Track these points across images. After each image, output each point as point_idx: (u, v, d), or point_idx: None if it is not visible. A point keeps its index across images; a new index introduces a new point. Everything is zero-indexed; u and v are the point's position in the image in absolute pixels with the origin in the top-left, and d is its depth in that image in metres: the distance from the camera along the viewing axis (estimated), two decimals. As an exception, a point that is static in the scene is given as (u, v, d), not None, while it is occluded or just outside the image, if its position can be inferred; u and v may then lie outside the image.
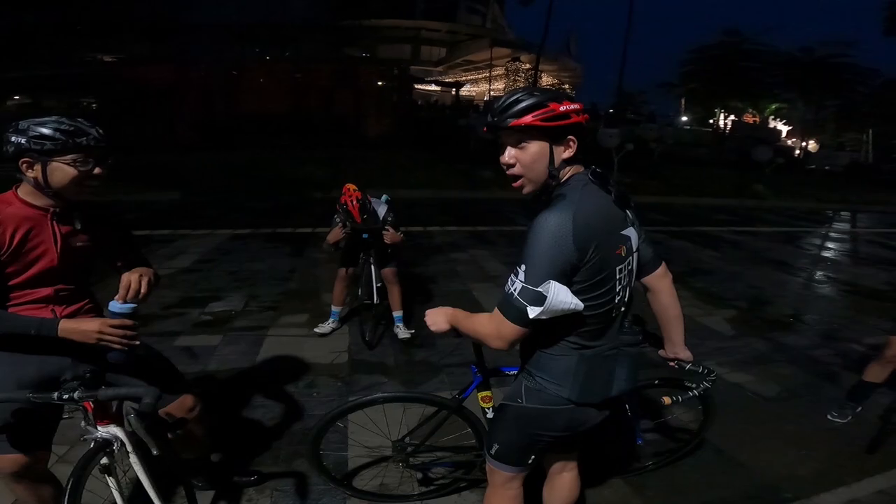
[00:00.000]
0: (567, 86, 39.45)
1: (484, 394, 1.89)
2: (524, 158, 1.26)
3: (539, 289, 1.16)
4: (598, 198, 1.26)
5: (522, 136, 1.24)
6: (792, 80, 28.97)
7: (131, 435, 1.48)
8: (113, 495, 1.52)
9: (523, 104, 1.22)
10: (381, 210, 3.55)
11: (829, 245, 9.04)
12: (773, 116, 39.20)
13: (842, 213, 13.08)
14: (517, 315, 1.19)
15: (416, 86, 31.28)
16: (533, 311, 1.17)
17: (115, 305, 1.44)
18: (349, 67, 20.44)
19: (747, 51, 28.50)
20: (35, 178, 1.40)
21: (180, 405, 1.73)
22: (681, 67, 31.53)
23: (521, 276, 1.18)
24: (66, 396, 1.35)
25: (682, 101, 37.17)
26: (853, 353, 3.89)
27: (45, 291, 1.49)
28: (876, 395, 2.91)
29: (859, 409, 2.91)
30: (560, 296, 1.16)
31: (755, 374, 3.48)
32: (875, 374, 2.80)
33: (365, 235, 3.53)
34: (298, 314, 4.21)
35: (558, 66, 39.10)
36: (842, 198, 15.13)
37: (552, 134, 1.23)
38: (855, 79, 28.38)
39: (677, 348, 1.69)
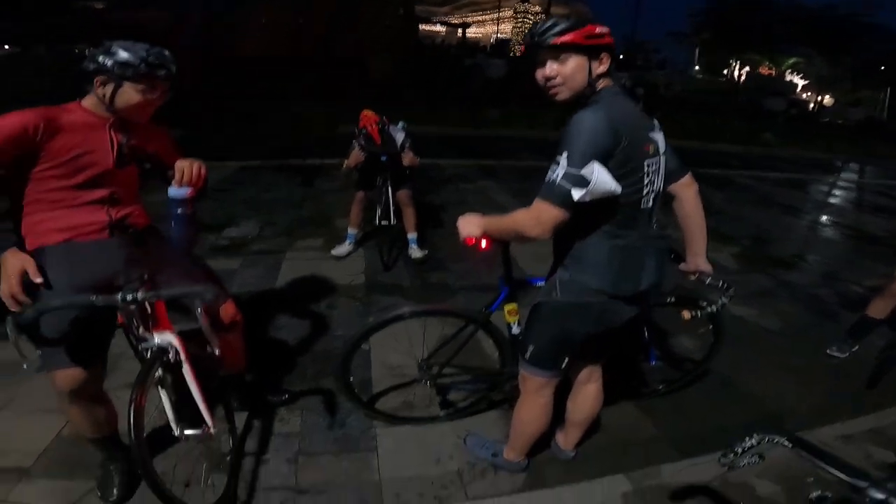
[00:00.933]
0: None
1: (510, 307, 1.89)
2: (565, 71, 1.37)
3: (582, 172, 1.24)
4: (627, 103, 1.39)
5: (563, 52, 1.36)
6: (812, 37, 27.95)
7: (184, 343, 1.55)
8: (163, 407, 1.56)
9: (564, 25, 1.36)
10: (399, 136, 3.60)
11: (836, 193, 9.03)
12: (789, 70, 37.96)
13: (850, 163, 12.93)
14: (561, 199, 1.26)
15: (422, 26, 30.01)
16: (577, 193, 1.24)
17: (174, 190, 1.49)
18: (352, 7, 19.51)
19: (768, 4, 27.24)
20: (103, 95, 1.48)
21: (224, 311, 1.80)
22: (694, 18, 30.30)
23: (564, 162, 1.26)
24: (129, 297, 1.39)
25: (696, 51, 35.79)
26: (853, 294, 4.00)
27: (101, 193, 1.56)
28: (873, 335, 2.99)
29: (857, 346, 3.00)
30: (603, 176, 1.24)
31: (758, 308, 3.58)
32: (878, 309, 2.88)
33: (383, 158, 3.57)
34: (314, 238, 4.29)
35: (568, 10, 37.49)
36: (851, 149, 14.92)
37: (590, 50, 1.35)
38: (879, 38, 27.34)
39: (699, 259, 1.74)
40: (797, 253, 4.99)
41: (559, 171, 1.26)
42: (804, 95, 38.28)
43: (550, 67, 1.38)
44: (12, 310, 1.30)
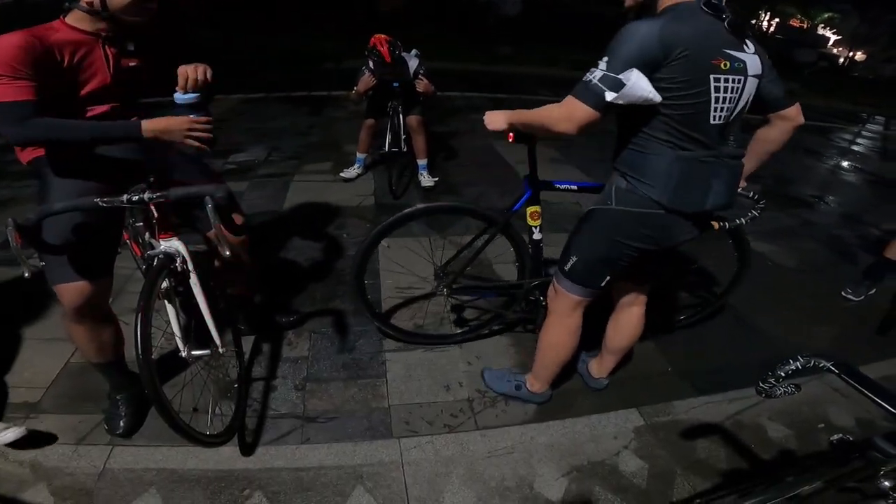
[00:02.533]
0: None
1: (533, 209, 1.82)
2: None
3: (620, 76, 1.20)
4: (702, 19, 1.26)
5: None
6: None
7: (192, 252, 1.50)
8: (169, 321, 1.50)
9: None
10: (413, 63, 3.43)
11: (860, 141, 8.71)
12: (822, 25, 35.96)
13: (877, 116, 12.44)
14: (594, 98, 1.23)
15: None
16: (610, 95, 1.21)
17: (179, 96, 1.41)
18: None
19: None
20: (90, 3, 1.34)
21: (234, 219, 1.74)
22: None
23: (603, 65, 1.23)
24: (135, 198, 1.32)
25: (723, -1, 33.84)
26: (872, 236, 3.91)
27: (101, 109, 1.46)
28: (890, 280, 2.90)
29: (874, 290, 2.93)
30: (640, 82, 1.20)
31: (778, 245, 3.52)
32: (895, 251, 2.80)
33: (395, 85, 3.43)
34: (322, 162, 4.21)
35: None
36: (880, 103, 14.32)
37: None
38: None
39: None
40: (818, 194, 4.85)
41: (596, 73, 1.23)
42: (835, 50, 36.52)
43: None
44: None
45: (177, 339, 1.51)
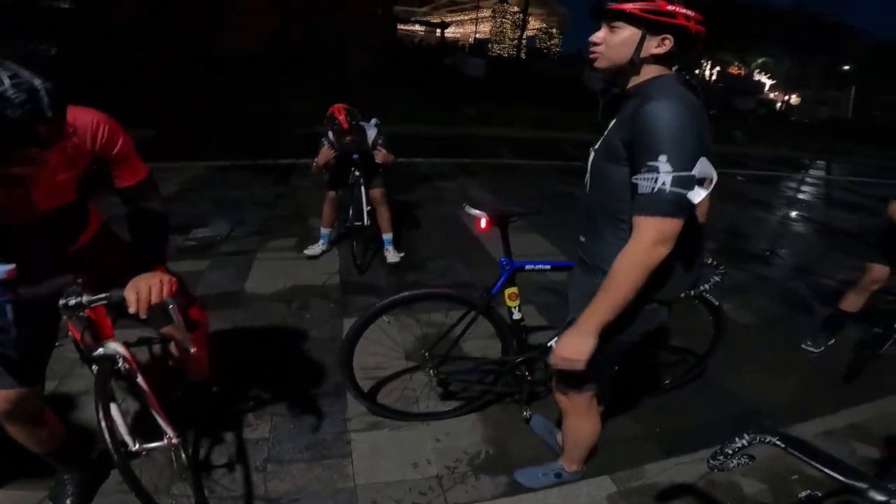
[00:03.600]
0: (554, 30, 38.20)
1: (511, 290, 1.87)
2: (612, 40, 1.23)
3: (694, 172, 1.09)
4: (692, 97, 1.23)
5: (619, 19, 1.21)
6: (781, 36, 28.63)
7: (131, 352, 1.44)
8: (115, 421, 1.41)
9: None
10: (372, 132, 3.45)
11: (805, 189, 9.28)
12: (758, 70, 39.04)
13: (818, 161, 13.33)
14: (678, 208, 1.11)
15: (401, 26, 29.82)
16: (697, 195, 1.11)
17: None
18: (333, 4, 19.32)
19: (738, 4, 27.91)
20: None
21: (189, 314, 1.70)
22: None
23: (666, 166, 1.09)
24: (72, 303, 1.21)
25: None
26: (826, 288, 4.06)
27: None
28: (848, 329, 3.01)
29: (833, 340, 3.02)
30: (713, 170, 1.11)
31: (734, 303, 3.59)
32: (851, 302, 2.90)
33: (355, 156, 3.44)
34: (286, 238, 4.16)
35: (546, 11, 37.77)
36: (819, 147, 15.39)
37: (649, 25, 1.19)
38: (845, 38, 28.22)
39: None
40: (770, 248, 5.07)
41: (665, 178, 1.09)
42: (772, 95, 39.46)
43: (598, 34, 1.26)
44: None
45: (124, 434, 1.40)
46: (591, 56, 1.28)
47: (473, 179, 6.69)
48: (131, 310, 1.21)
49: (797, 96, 38.94)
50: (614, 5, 1.20)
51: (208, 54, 16.88)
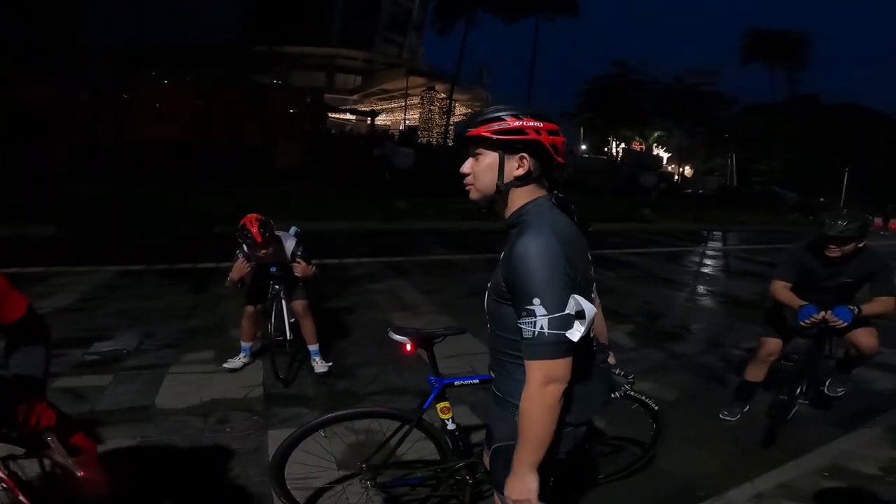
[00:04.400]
0: (478, 116, 40.93)
1: (442, 405, 1.93)
2: (476, 168, 1.27)
3: (567, 311, 1.11)
4: (565, 222, 1.25)
5: (479, 146, 1.25)
6: (668, 108, 31.82)
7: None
8: None
9: (483, 116, 1.24)
10: (290, 243, 3.39)
11: (707, 262, 10.26)
12: (655, 144, 43.65)
13: (714, 232, 14.90)
14: (560, 350, 1.12)
15: (331, 114, 30.93)
16: (577, 332, 1.11)
17: None
18: (258, 94, 19.73)
19: (632, 81, 31.02)
20: None
21: (58, 451, 1.51)
22: (578, 98, 34.03)
23: (541, 310, 1.10)
24: None
25: (581, 131, 40.20)
26: (734, 357, 4.38)
27: None
28: (761, 393, 3.25)
29: (747, 407, 3.23)
30: (587, 304, 1.12)
31: (656, 382, 3.78)
32: (753, 373, 3.15)
33: (272, 269, 3.36)
34: (204, 351, 3.89)
35: (472, 96, 40.77)
36: (714, 219, 17.26)
37: (505, 147, 1.21)
38: (717, 105, 31.76)
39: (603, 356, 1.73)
40: (681, 324, 5.43)
41: (541, 322, 1.10)
42: (669, 168, 44.12)
43: (466, 163, 1.29)
44: None
45: None
46: (466, 189, 1.32)
47: (405, 279, 6.69)
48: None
49: (690, 168, 43.75)
50: (470, 131, 1.23)
51: (120, 146, 16.43)
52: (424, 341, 1.94)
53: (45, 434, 1.23)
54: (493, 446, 1.43)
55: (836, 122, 34.00)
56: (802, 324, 2.67)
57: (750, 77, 39.08)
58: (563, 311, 1.10)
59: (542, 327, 1.10)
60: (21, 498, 1.36)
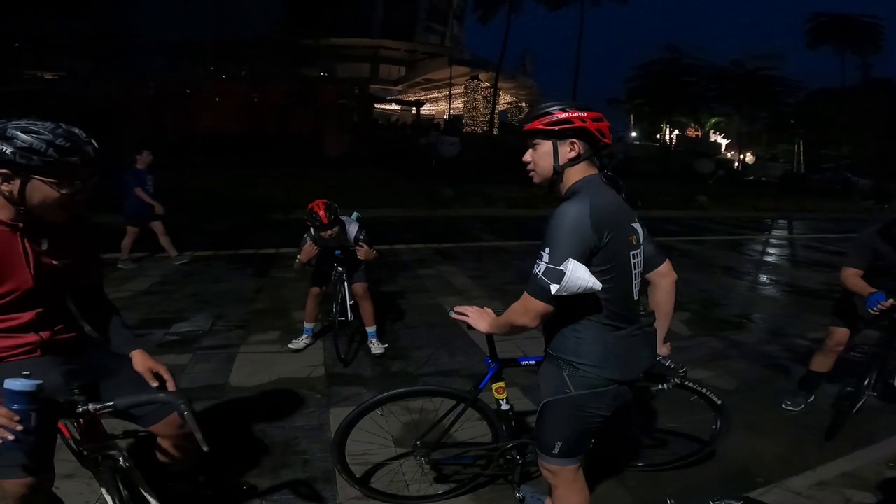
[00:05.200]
0: (524, 103, 40.48)
1: (498, 385, 1.99)
2: (535, 156, 1.49)
3: (561, 267, 1.29)
4: (611, 195, 1.44)
5: (535, 138, 1.48)
6: (726, 94, 30.37)
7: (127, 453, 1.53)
8: None
9: (536, 112, 1.47)
10: (353, 228, 3.55)
11: (770, 251, 9.71)
12: (713, 130, 41.54)
13: (779, 220, 14.06)
14: (541, 292, 1.34)
15: (376, 105, 31.32)
16: (554, 288, 1.30)
17: (12, 382, 1.18)
18: (307, 86, 20.29)
19: (685, 66, 29.70)
20: (10, 192, 1.23)
21: (170, 422, 1.67)
22: (626, 84, 32.83)
23: (546, 257, 1.33)
24: (80, 410, 1.28)
25: (632, 117, 38.80)
26: (799, 347, 4.20)
27: (27, 317, 1.35)
28: (826, 384, 3.15)
29: (811, 398, 3.14)
30: (578, 272, 1.29)
31: (713, 370, 3.71)
32: (820, 363, 3.05)
33: (337, 252, 3.52)
34: (269, 332, 4.15)
35: (516, 84, 40.10)
36: (778, 206, 16.26)
37: (557, 136, 1.43)
38: (781, 91, 30.03)
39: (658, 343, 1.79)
40: (742, 313, 5.23)
41: (541, 266, 1.33)
42: (728, 154, 41.86)
43: (527, 153, 1.51)
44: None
45: None
46: (529, 176, 1.54)
47: (454, 265, 6.79)
48: (157, 384, 1.47)
49: (751, 154, 41.33)
50: (526, 126, 1.47)
51: (182, 138, 17.29)
52: None
53: (178, 402, 1.30)
54: (542, 403, 1.59)
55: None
56: (871, 311, 2.54)
57: (815, 62, 36.10)
58: (558, 266, 1.29)
59: (539, 270, 1.33)
60: (137, 474, 1.55)
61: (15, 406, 1.15)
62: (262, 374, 3.40)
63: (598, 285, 1.31)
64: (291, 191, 10.72)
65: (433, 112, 41.45)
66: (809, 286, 6.58)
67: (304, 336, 3.83)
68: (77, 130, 1.28)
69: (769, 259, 8.78)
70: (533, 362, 2.01)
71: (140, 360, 1.52)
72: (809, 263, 8.34)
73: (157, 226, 6.08)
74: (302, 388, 3.22)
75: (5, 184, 1.22)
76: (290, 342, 3.82)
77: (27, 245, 1.31)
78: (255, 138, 18.04)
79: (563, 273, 1.29)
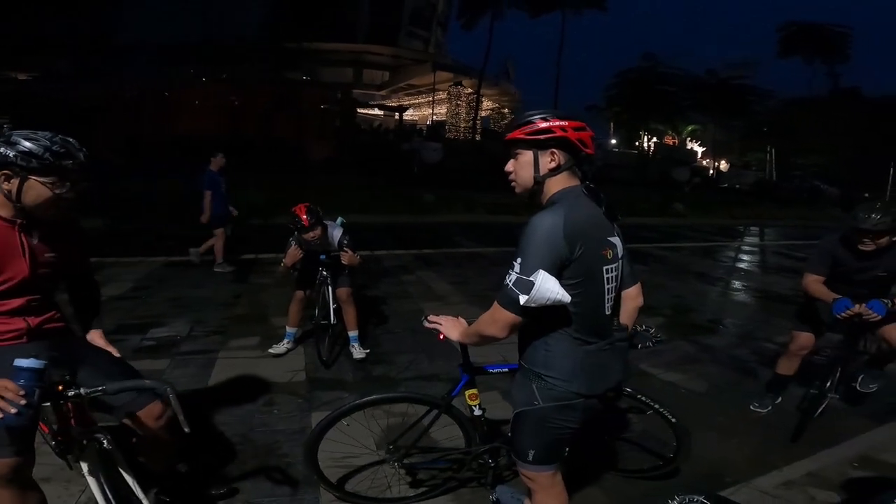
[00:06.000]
0: (506, 110, 40.80)
1: (471, 392, 2.03)
2: (516, 166, 1.49)
3: (531, 278, 1.29)
4: (589, 207, 1.44)
5: (517, 147, 1.47)
6: (701, 102, 31.02)
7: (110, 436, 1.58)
8: (96, 496, 1.56)
9: (518, 121, 1.47)
10: (337, 232, 3.60)
11: (742, 257, 10.02)
12: (689, 138, 42.42)
13: (751, 227, 14.48)
14: (510, 303, 1.33)
15: (359, 110, 31.24)
16: (523, 299, 1.30)
17: (22, 361, 1.31)
18: (290, 90, 20.15)
19: (662, 74, 30.22)
20: (9, 192, 1.41)
21: (149, 412, 1.73)
22: (606, 92, 33.32)
23: (517, 267, 1.32)
24: (72, 393, 1.38)
25: (611, 125, 39.34)
26: (768, 351, 4.36)
27: (18, 302, 1.50)
28: (792, 386, 3.27)
29: (778, 399, 3.25)
30: (547, 284, 1.29)
31: (685, 373, 3.83)
32: (785, 367, 3.17)
33: (322, 256, 3.56)
34: (249, 337, 4.13)
35: (498, 91, 40.35)
36: (750, 214, 16.75)
37: (538, 146, 1.43)
38: (753, 99, 30.79)
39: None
40: (713, 318, 5.40)
41: (512, 277, 1.33)
42: (704, 162, 42.83)
43: (510, 162, 1.50)
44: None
45: None
46: (511, 186, 1.54)
47: (435, 270, 6.85)
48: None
49: (725, 162, 42.36)
50: (508, 136, 1.47)
51: (161, 141, 17.00)
52: None
53: (164, 388, 1.40)
54: (515, 412, 1.61)
55: (881, 117, 32.33)
56: (839, 317, 2.65)
57: (786, 71, 37.30)
58: (528, 276, 1.30)
59: (510, 280, 1.33)
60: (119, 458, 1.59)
61: (21, 381, 1.28)
62: (243, 379, 3.40)
63: (566, 298, 1.30)
64: (272, 196, 10.64)
65: (416, 118, 41.46)
66: (778, 291, 6.82)
67: (286, 341, 3.84)
68: (71, 140, 1.48)
69: (740, 265, 9.07)
70: (506, 369, 2.06)
71: (94, 338, 1.73)
72: (778, 269, 8.64)
73: (220, 232, 6.26)
74: (283, 393, 3.23)
75: (6, 183, 1.41)
76: (270, 347, 3.82)
77: (24, 238, 1.48)
78: (235, 143, 17.83)
79: (532, 284, 1.28)
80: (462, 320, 1.70)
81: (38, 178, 1.41)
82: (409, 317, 4.78)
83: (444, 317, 1.73)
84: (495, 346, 1.70)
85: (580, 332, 1.45)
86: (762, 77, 33.29)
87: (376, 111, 36.84)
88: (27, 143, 1.39)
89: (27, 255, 1.48)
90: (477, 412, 2.04)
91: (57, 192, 1.44)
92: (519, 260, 1.33)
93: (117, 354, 1.70)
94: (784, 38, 34.79)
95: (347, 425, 2.49)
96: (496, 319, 1.39)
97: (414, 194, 13.69)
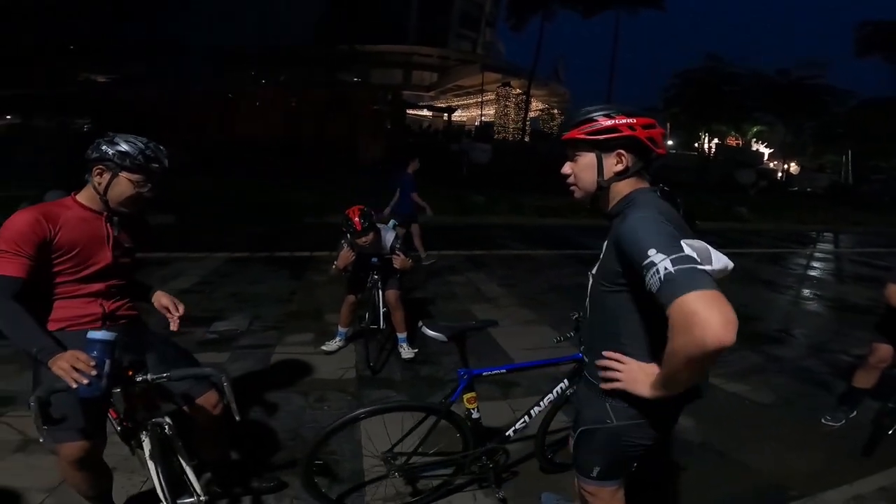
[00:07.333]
0: (556, 110, 40.11)
1: (469, 395, 2.04)
2: (576, 169, 1.32)
3: (685, 252, 1.06)
4: (671, 209, 1.26)
5: (576, 148, 1.30)
6: (771, 103, 29.25)
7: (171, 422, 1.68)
8: (153, 480, 1.65)
9: (576, 118, 1.29)
10: (389, 236, 3.59)
11: (814, 265, 9.31)
12: (755, 139, 40.04)
13: (824, 233, 13.44)
14: (698, 277, 1.02)
15: (409, 111, 31.61)
16: (706, 265, 1.07)
17: (95, 333, 1.39)
18: (343, 92, 20.69)
19: (728, 74, 28.73)
20: (99, 184, 1.58)
21: (206, 400, 1.86)
22: (664, 93, 32.08)
23: (658, 256, 1.06)
24: (140, 378, 1.50)
25: (668, 126, 37.82)
26: (841, 363, 4.08)
27: (98, 286, 1.65)
28: (868, 400, 3.06)
29: (853, 413, 3.06)
30: (703, 245, 1.12)
31: (751, 384, 3.64)
32: (863, 379, 2.98)
33: (374, 259, 3.58)
34: (303, 333, 4.27)
35: (548, 91, 39.75)
36: (823, 219, 15.55)
37: (600, 146, 1.26)
38: (830, 100, 28.68)
39: None
40: (783, 327, 5.07)
41: (665, 264, 1.04)
42: (771, 164, 40.29)
43: (566, 165, 1.33)
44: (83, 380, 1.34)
45: (161, 491, 1.63)
46: (569, 190, 1.36)
47: (484, 272, 6.79)
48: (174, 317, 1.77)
49: (796, 164, 39.67)
50: (565, 136, 1.28)
51: (224, 142, 17.84)
52: (456, 336, 2.05)
53: (219, 376, 1.53)
54: (580, 429, 1.49)
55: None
56: None
57: (857, 71, 34.29)
58: (683, 252, 1.06)
59: (665, 269, 1.04)
60: (179, 444, 1.71)
61: (94, 353, 1.36)
62: (296, 374, 3.50)
63: (730, 263, 1.16)
64: (325, 196, 10.97)
65: (464, 118, 41.50)
66: (855, 301, 6.30)
67: (338, 339, 3.92)
68: (162, 147, 1.66)
69: (812, 273, 8.42)
70: (504, 370, 2.12)
71: (157, 297, 1.86)
72: (855, 278, 7.97)
73: (415, 227, 6.82)
74: (334, 390, 3.30)
75: (98, 176, 1.57)
76: (323, 344, 3.92)
77: (109, 229, 1.65)
78: (292, 143, 18.52)
79: (691, 256, 1.04)
80: (647, 367, 1.28)
81: (128, 176, 1.57)
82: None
83: (625, 364, 1.30)
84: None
85: (657, 345, 1.26)
86: (837, 77, 30.70)
87: (425, 112, 37.13)
88: (125, 145, 1.56)
89: (111, 244, 1.64)
90: (475, 415, 2.05)
91: (140, 190, 1.60)
92: (652, 251, 1.06)
93: (182, 308, 1.82)
94: (861, 38, 32.05)
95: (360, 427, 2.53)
96: (695, 311, 0.99)
97: (462, 195, 13.69)
